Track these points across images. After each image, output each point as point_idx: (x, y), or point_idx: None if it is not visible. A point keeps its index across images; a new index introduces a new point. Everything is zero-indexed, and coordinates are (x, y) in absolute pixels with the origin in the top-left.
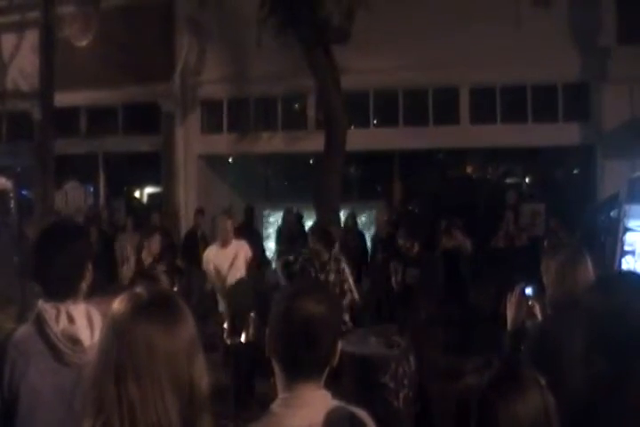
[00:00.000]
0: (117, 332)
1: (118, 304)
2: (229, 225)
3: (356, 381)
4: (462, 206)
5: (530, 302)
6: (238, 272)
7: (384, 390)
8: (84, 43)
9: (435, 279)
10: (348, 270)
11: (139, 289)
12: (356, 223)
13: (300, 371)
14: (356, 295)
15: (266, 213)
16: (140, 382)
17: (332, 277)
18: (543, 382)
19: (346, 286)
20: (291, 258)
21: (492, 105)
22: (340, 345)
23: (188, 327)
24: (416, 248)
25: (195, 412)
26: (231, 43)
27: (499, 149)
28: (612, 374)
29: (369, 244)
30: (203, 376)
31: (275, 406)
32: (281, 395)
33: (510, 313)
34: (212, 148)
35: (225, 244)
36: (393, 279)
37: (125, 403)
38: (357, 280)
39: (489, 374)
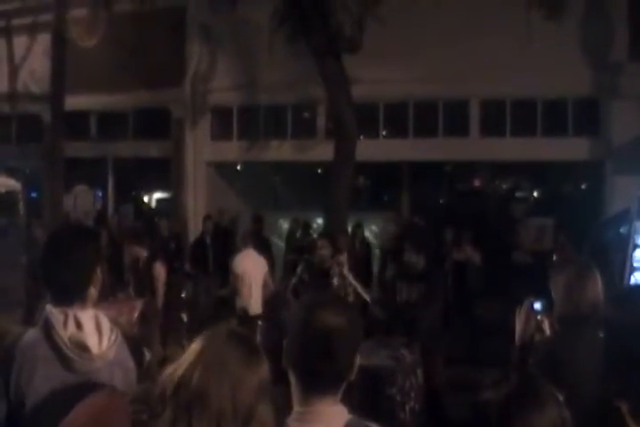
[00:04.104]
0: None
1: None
2: None
3: (362, 392)
4: (471, 219)
5: (539, 317)
6: None
7: (390, 402)
8: (90, 44)
9: (439, 293)
10: (351, 276)
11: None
12: (363, 233)
13: (316, 384)
14: (367, 297)
15: (273, 221)
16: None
17: (335, 280)
18: (560, 396)
19: (349, 290)
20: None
21: (501, 118)
22: (358, 359)
23: (264, 369)
24: (422, 263)
25: None
26: (242, 50)
27: (508, 163)
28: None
29: (375, 254)
30: (267, 416)
31: (290, 421)
32: (296, 409)
33: (518, 327)
34: (222, 155)
35: None
36: (397, 297)
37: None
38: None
39: (507, 388)
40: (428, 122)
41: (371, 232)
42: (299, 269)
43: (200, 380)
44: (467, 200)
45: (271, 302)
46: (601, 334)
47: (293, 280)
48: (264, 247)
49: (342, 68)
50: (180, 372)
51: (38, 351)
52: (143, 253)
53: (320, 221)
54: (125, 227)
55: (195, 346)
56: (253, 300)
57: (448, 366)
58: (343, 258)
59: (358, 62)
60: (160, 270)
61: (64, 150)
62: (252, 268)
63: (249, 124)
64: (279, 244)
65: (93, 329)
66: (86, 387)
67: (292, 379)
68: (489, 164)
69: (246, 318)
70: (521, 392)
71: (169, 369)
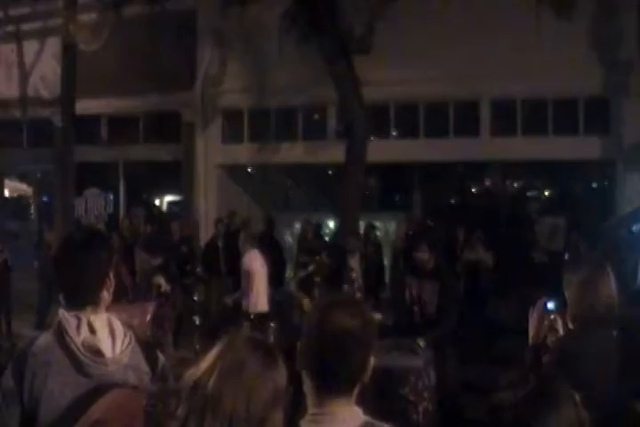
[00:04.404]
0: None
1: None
2: None
3: (374, 392)
4: (482, 219)
5: (552, 317)
6: None
7: (403, 402)
8: (94, 48)
9: (454, 293)
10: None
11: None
12: (375, 234)
13: (331, 386)
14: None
15: (285, 223)
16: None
17: (345, 287)
18: (578, 397)
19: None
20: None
21: (512, 118)
22: (372, 360)
23: (281, 376)
24: (432, 262)
25: None
26: (253, 53)
27: (519, 162)
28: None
29: (386, 255)
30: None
31: (304, 422)
32: (311, 410)
33: (531, 327)
34: (233, 157)
35: None
36: (407, 294)
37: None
38: (375, 291)
39: (524, 389)
40: (439, 122)
41: (382, 233)
42: (309, 268)
43: (216, 384)
44: (478, 200)
45: (280, 301)
46: (615, 334)
47: (301, 273)
48: (275, 249)
49: (353, 69)
50: (197, 375)
51: (51, 356)
52: (153, 262)
53: (332, 222)
54: (136, 231)
55: (213, 351)
56: (260, 298)
57: (461, 366)
58: (354, 262)
59: (369, 63)
60: (160, 282)
61: (75, 154)
62: (259, 267)
63: (260, 126)
64: (291, 243)
65: (107, 333)
66: (102, 387)
67: (306, 380)
68: (500, 163)
69: (257, 319)
70: (538, 393)
71: (188, 372)
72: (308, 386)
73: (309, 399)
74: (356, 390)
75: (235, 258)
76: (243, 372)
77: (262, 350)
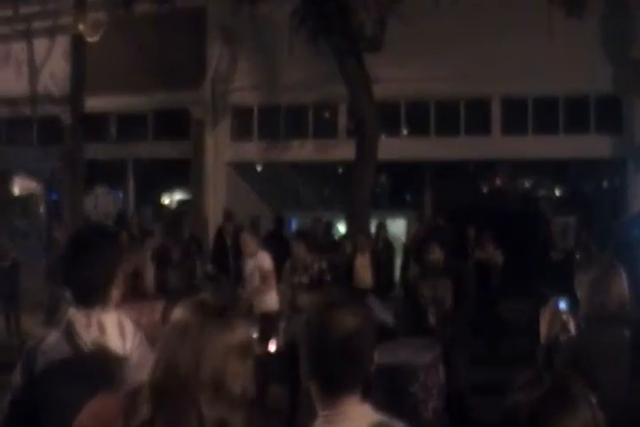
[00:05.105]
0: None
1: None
2: None
3: (384, 390)
4: (493, 218)
5: (564, 316)
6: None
7: (413, 399)
8: (94, 39)
9: (466, 292)
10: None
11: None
12: (386, 233)
13: (340, 386)
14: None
15: (295, 221)
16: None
17: None
18: (594, 398)
19: None
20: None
21: (523, 116)
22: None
23: (233, 334)
24: (443, 260)
25: (225, 411)
26: (263, 50)
27: (529, 161)
28: None
29: (398, 254)
30: (238, 381)
31: (316, 424)
32: (322, 412)
33: (544, 327)
34: (242, 155)
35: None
36: (421, 295)
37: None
38: (386, 290)
39: (540, 389)
40: (450, 120)
41: (392, 232)
42: (315, 268)
43: (171, 355)
44: (489, 199)
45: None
46: (627, 333)
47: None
48: (284, 248)
49: (363, 66)
50: (156, 355)
51: (60, 355)
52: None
53: (342, 220)
54: (145, 228)
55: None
56: (274, 297)
57: (470, 365)
58: (365, 260)
59: (379, 61)
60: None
61: (84, 152)
62: (271, 266)
63: (269, 124)
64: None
65: (116, 333)
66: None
67: (314, 387)
68: (511, 162)
69: (267, 317)
70: (554, 394)
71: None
72: (315, 389)
73: (318, 402)
74: (361, 387)
75: (242, 256)
76: (187, 336)
77: (207, 313)
